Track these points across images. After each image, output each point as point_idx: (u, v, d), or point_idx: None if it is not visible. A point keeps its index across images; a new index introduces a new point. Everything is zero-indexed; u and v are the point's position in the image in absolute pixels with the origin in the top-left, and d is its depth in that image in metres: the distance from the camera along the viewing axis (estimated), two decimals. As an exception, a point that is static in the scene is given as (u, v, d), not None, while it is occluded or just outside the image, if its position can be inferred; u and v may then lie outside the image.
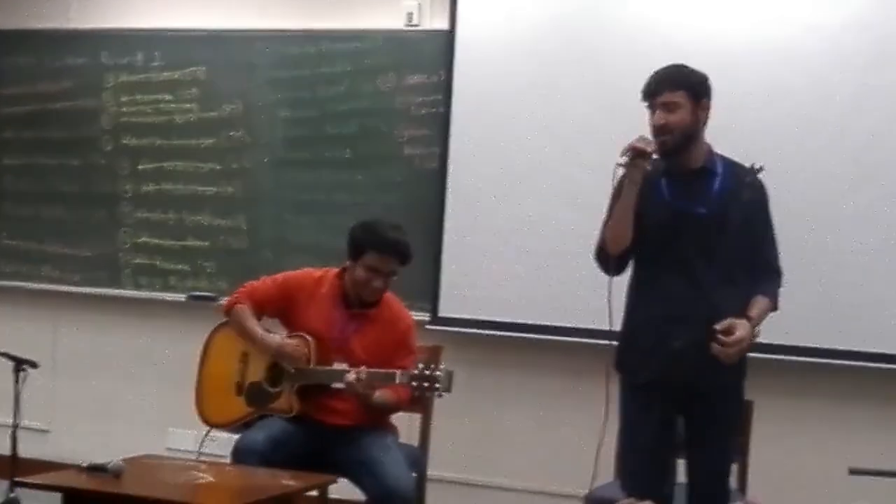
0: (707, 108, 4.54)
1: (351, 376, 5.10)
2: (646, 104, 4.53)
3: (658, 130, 4.47)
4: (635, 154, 4.41)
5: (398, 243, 5.31)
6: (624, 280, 4.61)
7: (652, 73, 4.56)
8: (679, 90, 4.48)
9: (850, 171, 5.95)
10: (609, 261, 4.55)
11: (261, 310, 5.51)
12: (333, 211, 6.83)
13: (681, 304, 4.43)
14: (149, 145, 7.32)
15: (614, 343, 4.56)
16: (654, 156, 4.47)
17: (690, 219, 4.49)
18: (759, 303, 4.50)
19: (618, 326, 4.52)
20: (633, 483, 4.52)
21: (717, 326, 4.32)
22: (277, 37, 7.05)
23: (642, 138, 4.44)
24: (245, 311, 5.46)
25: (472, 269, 6.53)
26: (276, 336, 5.39)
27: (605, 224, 4.61)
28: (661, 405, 4.49)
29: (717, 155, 4.58)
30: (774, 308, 4.58)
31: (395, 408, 5.44)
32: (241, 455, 5.15)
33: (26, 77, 7.61)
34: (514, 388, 6.63)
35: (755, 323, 4.41)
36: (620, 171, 4.47)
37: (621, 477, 4.71)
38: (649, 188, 4.52)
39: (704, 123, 4.56)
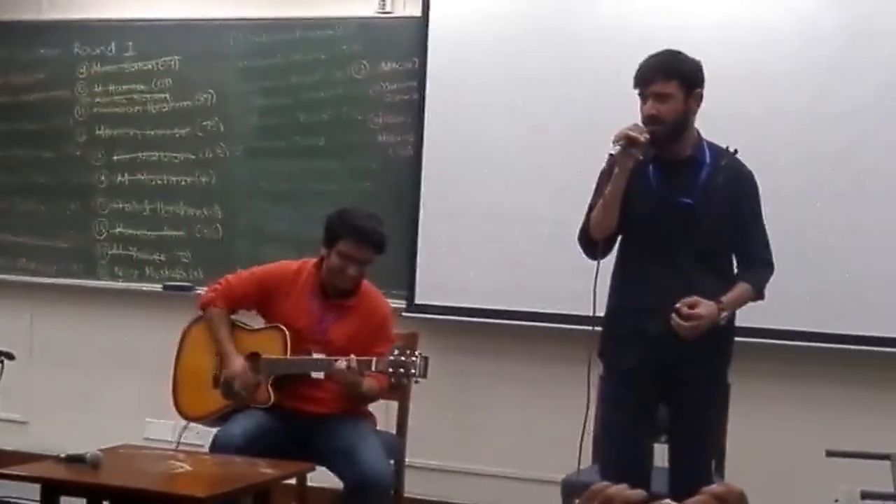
0: (699, 98, 4.50)
1: (342, 364, 5.10)
2: (637, 91, 4.49)
3: (648, 120, 4.43)
4: (628, 143, 4.39)
5: (373, 232, 5.31)
6: (609, 265, 4.62)
7: (644, 59, 4.51)
8: (672, 80, 4.43)
9: (829, 151, 5.96)
10: (592, 245, 4.56)
11: (237, 306, 5.54)
12: (308, 199, 6.84)
13: (661, 293, 4.41)
14: (123, 136, 7.30)
15: (598, 329, 4.57)
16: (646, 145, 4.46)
17: (675, 208, 4.48)
18: (736, 289, 4.49)
19: (601, 312, 4.52)
20: (610, 468, 4.54)
21: (680, 303, 4.33)
22: (250, 25, 7.04)
23: (635, 126, 4.41)
24: (219, 316, 5.47)
25: (448, 257, 6.53)
26: (239, 361, 5.35)
27: (591, 208, 4.60)
28: (639, 391, 4.50)
29: (706, 142, 4.57)
30: (758, 297, 4.57)
31: (378, 395, 5.45)
32: (218, 452, 5.15)
33: (-1, 69, 7.60)
34: (491, 374, 6.64)
35: (723, 307, 4.41)
36: (612, 157, 4.45)
37: (599, 462, 4.74)
38: (636, 175, 4.50)
39: (695, 112, 4.55)
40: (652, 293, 4.46)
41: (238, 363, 5.34)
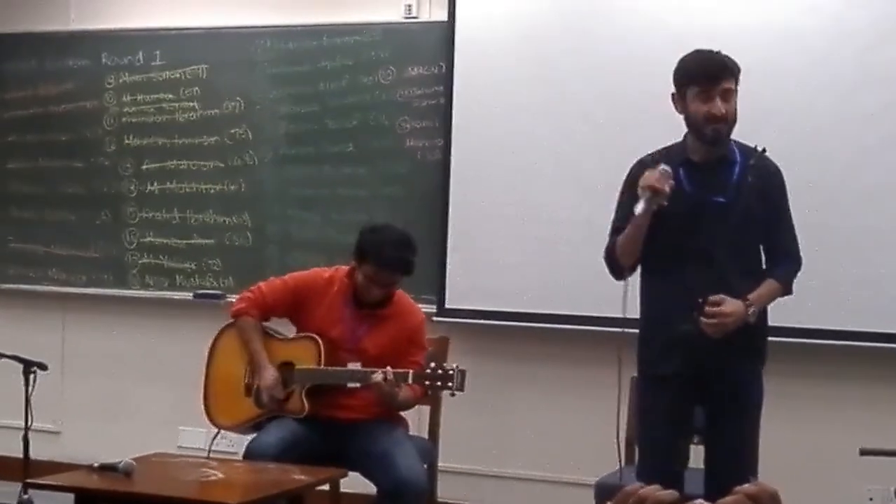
0: None
1: (378, 377, 5.09)
2: (695, 88, 4.40)
3: (714, 119, 4.38)
4: (653, 194, 4.35)
5: (398, 261, 5.28)
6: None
7: (696, 54, 4.47)
8: (733, 77, 4.42)
9: (856, 149, 5.94)
10: (619, 269, 4.55)
11: (270, 314, 5.53)
12: (337, 206, 6.84)
13: (698, 294, 4.37)
14: (151, 145, 7.32)
15: (626, 330, 4.52)
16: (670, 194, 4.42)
17: (710, 208, 4.46)
18: (764, 286, 4.47)
19: (631, 314, 4.48)
20: (645, 472, 4.52)
21: (711, 298, 4.31)
22: (277, 33, 7.04)
23: (660, 174, 4.36)
24: (251, 326, 5.46)
25: (477, 260, 6.52)
26: (270, 373, 5.36)
27: (614, 229, 4.59)
28: (675, 394, 4.46)
29: (733, 141, 4.55)
30: (786, 292, 4.55)
31: (413, 404, 5.47)
32: (253, 460, 5.16)
33: (28, 80, 7.61)
34: (522, 377, 6.62)
35: (749, 304, 4.37)
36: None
37: (635, 466, 4.71)
38: None
39: None
40: (688, 295, 4.41)
41: (269, 375, 5.33)
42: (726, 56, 4.47)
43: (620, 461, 4.66)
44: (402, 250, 5.30)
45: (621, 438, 4.63)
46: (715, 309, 4.31)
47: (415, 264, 5.34)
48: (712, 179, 4.50)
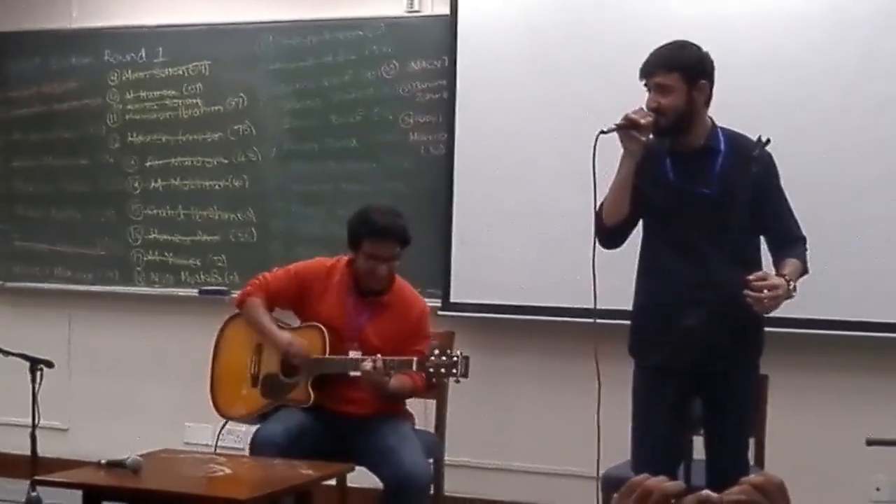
0: (705, 89, 4.48)
1: (367, 364, 5.11)
2: (643, 83, 4.51)
3: (652, 111, 4.46)
4: (628, 124, 4.40)
5: (391, 227, 5.31)
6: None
7: (651, 51, 4.53)
8: (673, 72, 4.43)
9: (861, 141, 5.92)
10: (605, 231, 4.59)
11: (274, 302, 5.54)
12: (341, 201, 6.82)
13: (687, 286, 4.39)
14: (155, 142, 7.32)
15: (599, 321, 4.58)
16: (650, 133, 4.46)
17: (694, 199, 4.47)
18: (791, 263, 4.43)
19: (602, 305, 4.51)
20: (643, 465, 4.52)
21: (751, 277, 4.28)
22: (279, 28, 7.04)
23: (640, 109, 4.44)
24: (257, 306, 5.47)
25: (482, 254, 6.52)
26: (286, 333, 5.41)
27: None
28: (671, 387, 4.43)
29: (721, 129, 4.55)
30: (805, 270, 4.52)
31: (411, 394, 5.46)
32: (258, 448, 5.17)
33: (32, 79, 7.61)
34: (527, 371, 6.63)
35: (789, 279, 4.35)
36: (601, 138, 4.44)
37: (632, 460, 4.72)
38: (653, 168, 4.52)
39: (706, 103, 4.51)
40: (679, 286, 4.44)
41: (286, 337, 5.36)
42: (672, 49, 4.51)
43: (599, 454, 4.66)
44: (391, 217, 5.34)
45: (608, 430, 4.63)
46: (766, 283, 4.28)
47: (408, 230, 5.36)
48: (696, 170, 4.51)
